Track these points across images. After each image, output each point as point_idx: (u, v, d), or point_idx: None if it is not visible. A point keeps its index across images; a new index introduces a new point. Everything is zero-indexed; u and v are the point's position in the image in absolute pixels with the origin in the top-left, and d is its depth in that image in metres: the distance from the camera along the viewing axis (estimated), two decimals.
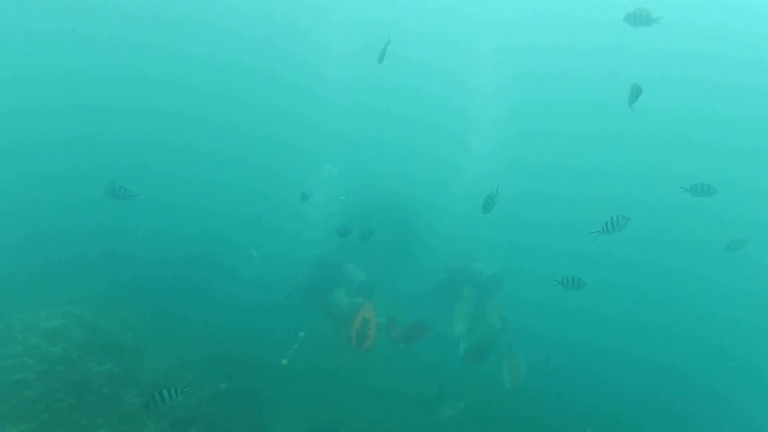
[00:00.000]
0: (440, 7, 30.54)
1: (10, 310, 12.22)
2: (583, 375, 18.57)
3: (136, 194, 9.92)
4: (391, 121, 34.76)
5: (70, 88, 29.11)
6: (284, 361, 13.74)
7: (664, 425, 16.94)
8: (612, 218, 7.93)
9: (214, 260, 21.52)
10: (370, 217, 18.79)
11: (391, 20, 29.80)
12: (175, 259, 20.36)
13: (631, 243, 23.65)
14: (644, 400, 18.34)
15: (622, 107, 8.19)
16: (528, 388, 14.67)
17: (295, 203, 15.69)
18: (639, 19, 8.79)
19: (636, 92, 8.12)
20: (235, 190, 27.53)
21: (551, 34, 31.44)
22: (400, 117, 34.74)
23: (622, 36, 25.89)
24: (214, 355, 15.43)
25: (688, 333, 21.84)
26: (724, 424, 17.68)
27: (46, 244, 18.95)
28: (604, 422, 16.34)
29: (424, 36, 32.25)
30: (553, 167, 32.42)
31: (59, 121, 27.04)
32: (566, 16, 30.22)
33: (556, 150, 32.78)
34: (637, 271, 25.65)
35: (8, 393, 9.90)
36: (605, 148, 32.33)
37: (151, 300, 17.49)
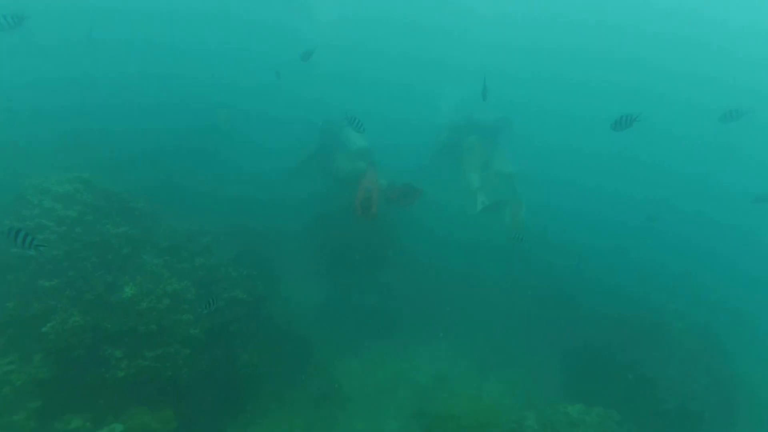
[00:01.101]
0: None
1: (21, 175, 12.14)
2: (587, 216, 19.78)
3: None
4: None
5: None
6: None
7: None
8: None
9: (223, 131, 21.18)
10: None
11: None
12: (184, 130, 20.01)
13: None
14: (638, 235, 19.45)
15: None
16: (529, 226, 15.31)
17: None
18: None
19: None
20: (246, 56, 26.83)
21: None
22: None
23: None
24: (229, 220, 15.73)
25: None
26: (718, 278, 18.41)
27: (49, 117, 18.46)
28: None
29: None
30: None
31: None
32: None
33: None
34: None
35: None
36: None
37: (162, 169, 17.48)
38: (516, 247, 14.00)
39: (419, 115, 22.87)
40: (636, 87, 31.51)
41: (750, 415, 13.47)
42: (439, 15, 33.89)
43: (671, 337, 13.70)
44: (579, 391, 12.41)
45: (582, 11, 32.73)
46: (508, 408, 10.92)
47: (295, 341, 12.55)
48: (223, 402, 10.14)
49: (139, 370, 8.90)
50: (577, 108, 29.76)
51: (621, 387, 12.31)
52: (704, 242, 21.01)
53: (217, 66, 26.24)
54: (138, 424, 8.01)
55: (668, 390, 11.94)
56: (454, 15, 33.41)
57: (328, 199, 15.58)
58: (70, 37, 23.84)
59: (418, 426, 11.16)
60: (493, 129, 15.88)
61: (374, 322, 14.59)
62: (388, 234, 15.59)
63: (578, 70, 33.59)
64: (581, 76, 33.26)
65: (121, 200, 12.43)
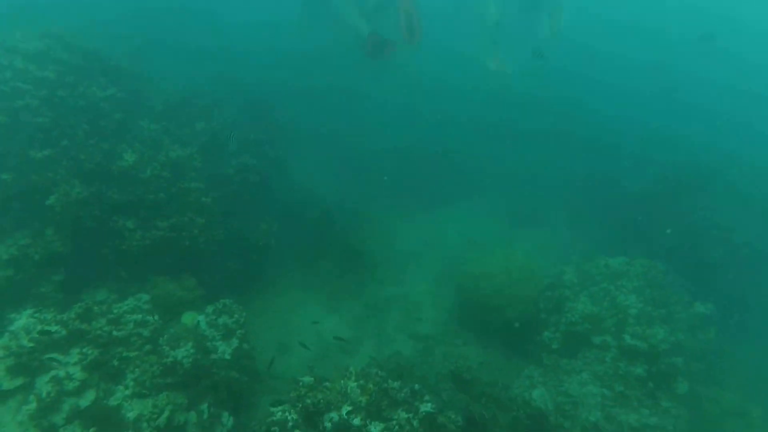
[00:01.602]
0: None
1: None
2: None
3: None
4: None
5: None
6: None
7: None
8: None
9: None
10: None
11: None
12: None
13: None
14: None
15: None
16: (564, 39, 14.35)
17: None
18: None
19: None
20: None
21: None
22: None
23: None
24: (222, 76, 14.42)
25: None
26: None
27: None
28: None
29: None
30: None
31: None
32: None
33: None
34: None
35: (16, 121, 9.26)
36: None
37: (142, 28, 15.55)
38: (539, 65, 12.66)
39: None
40: None
41: None
42: None
43: (723, 184, 12.87)
44: (620, 245, 11.72)
45: None
46: (544, 265, 10.76)
47: (312, 209, 12.22)
48: (244, 271, 10.11)
49: (155, 240, 8.63)
50: None
51: (667, 238, 11.77)
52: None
53: None
54: (163, 293, 7.96)
55: (717, 239, 11.52)
56: None
57: (336, 53, 14.06)
58: None
59: (448, 286, 11.20)
60: None
61: (395, 186, 14.07)
62: (406, 84, 14.42)
63: None
64: None
65: (101, 59, 11.06)
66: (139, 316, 6.77)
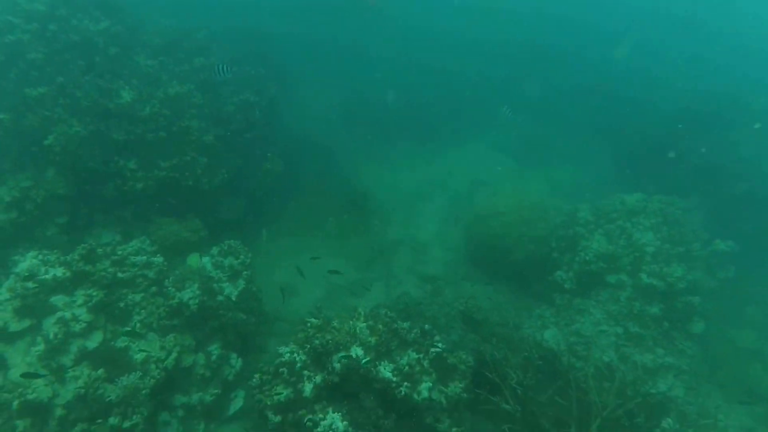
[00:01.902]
0: None
1: None
2: None
3: None
4: None
5: None
6: None
7: None
8: None
9: None
10: None
11: None
12: None
13: None
14: None
15: None
16: None
17: None
18: None
19: None
20: None
21: None
22: None
23: None
24: (224, 19, 13.64)
25: None
26: None
27: None
28: None
29: None
30: None
31: None
32: None
33: None
34: None
35: (8, 58, 8.83)
36: None
37: None
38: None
39: None
40: None
41: None
42: None
43: (745, 117, 12.10)
44: (637, 182, 11.26)
45: None
46: (557, 204, 10.39)
47: (314, 148, 11.84)
48: (249, 212, 9.92)
49: (158, 181, 8.41)
50: None
51: (685, 174, 11.31)
52: None
53: None
54: (167, 234, 7.84)
55: (739, 175, 10.99)
56: None
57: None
58: None
59: (457, 227, 10.92)
60: None
61: (399, 125, 13.55)
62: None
63: None
64: None
65: None
66: (144, 257, 6.66)
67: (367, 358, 5.35)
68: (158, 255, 6.82)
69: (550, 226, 9.84)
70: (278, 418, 5.25)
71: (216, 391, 6.22)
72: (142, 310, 6.03)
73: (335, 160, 11.65)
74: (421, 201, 11.91)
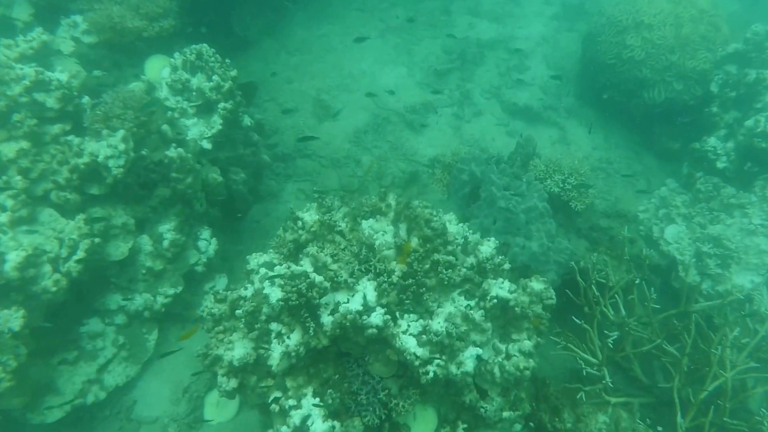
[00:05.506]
0: None
1: None
2: None
3: None
4: None
5: None
6: None
7: None
8: None
9: None
10: None
11: None
12: None
13: None
14: None
15: None
16: None
17: None
18: None
19: None
20: None
21: None
22: None
23: None
24: None
25: None
26: None
27: None
28: None
29: None
30: None
31: None
32: None
33: None
34: None
35: None
36: None
37: None
38: None
39: None
40: None
41: None
42: None
43: None
44: None
45: None
46: (738, 17, 6.66)
47: None
48: None
49: None
50: None
51: None
52: None
53: None
54: (104, 17, 4.99)
55: None
56: None
57: None
58: None
59: (574, 34, 7.91)
60: None
61: None
62: None
63: None
64: None
65: None
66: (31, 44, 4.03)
67: (380, 313, 2.95)
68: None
69: (718, 57, 6.05)
70: (233, 383, 3.23)
71: (172, 290, 4.22)
72: (21, 173, 3.68)
73: None
74: None
